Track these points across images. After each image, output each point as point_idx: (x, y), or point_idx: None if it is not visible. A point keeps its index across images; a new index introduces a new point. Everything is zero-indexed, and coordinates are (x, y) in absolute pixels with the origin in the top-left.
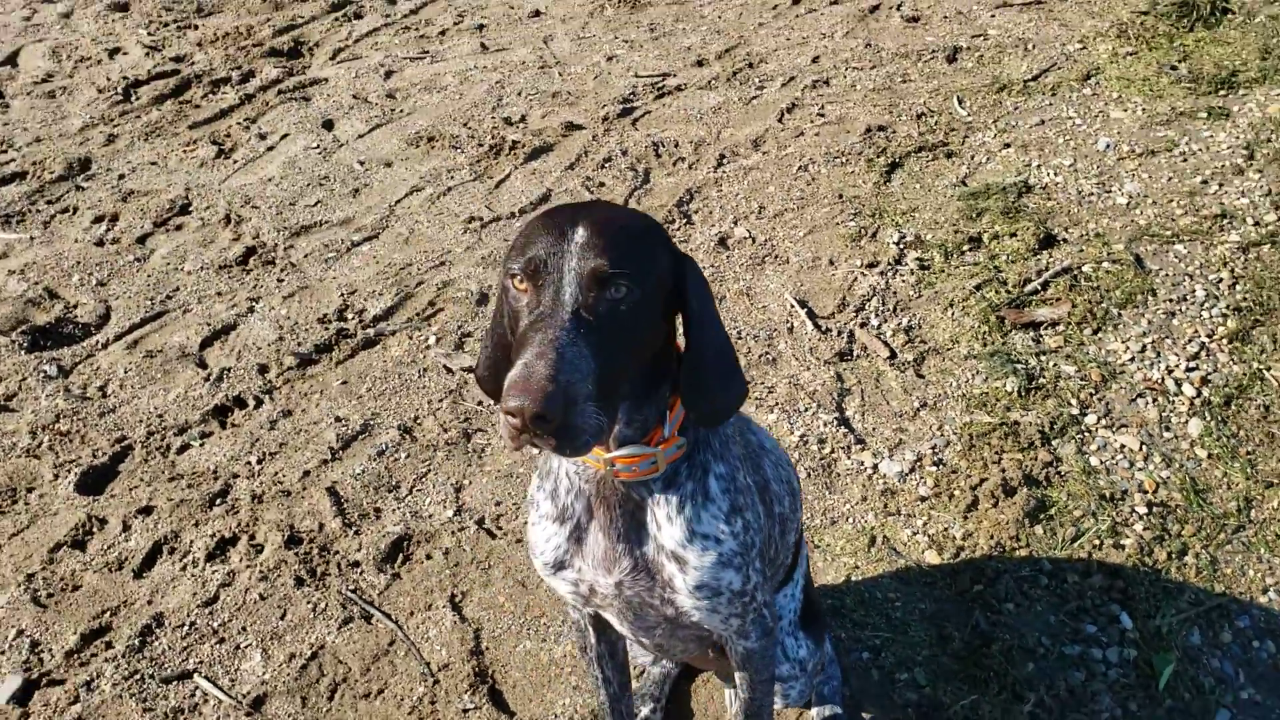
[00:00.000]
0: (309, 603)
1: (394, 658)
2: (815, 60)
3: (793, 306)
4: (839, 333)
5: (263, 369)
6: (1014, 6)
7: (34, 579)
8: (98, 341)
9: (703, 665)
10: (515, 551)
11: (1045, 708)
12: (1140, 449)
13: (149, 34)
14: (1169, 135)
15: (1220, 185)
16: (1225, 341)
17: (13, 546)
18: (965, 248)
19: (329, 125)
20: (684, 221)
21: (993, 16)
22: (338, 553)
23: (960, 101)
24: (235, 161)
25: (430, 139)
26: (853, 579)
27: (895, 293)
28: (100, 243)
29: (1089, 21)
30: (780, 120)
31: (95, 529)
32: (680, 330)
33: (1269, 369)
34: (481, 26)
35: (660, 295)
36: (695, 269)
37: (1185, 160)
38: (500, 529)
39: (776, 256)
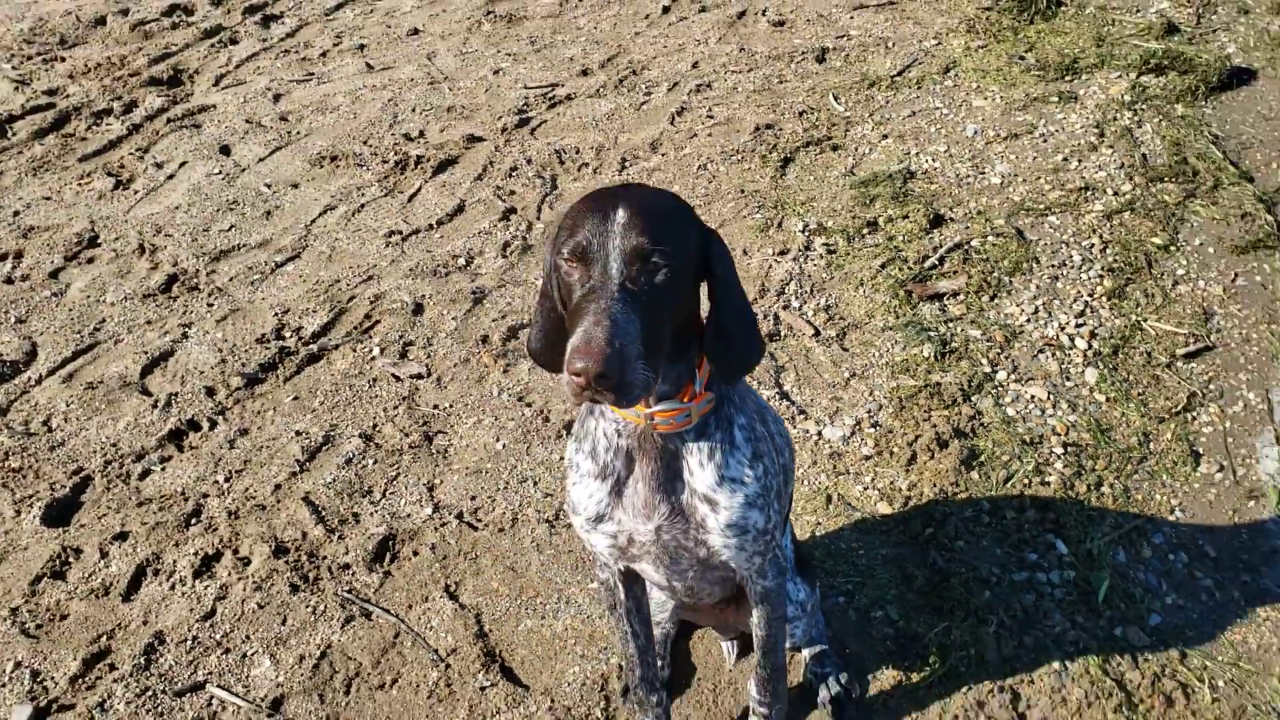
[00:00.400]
0: (307, 606)
1: (402, 649)
2: (695, 65)
3: None
4: (764, 315)
5: (210, 391)
6: (870, 8)
7: (18, 612)
8: (30, 378)
9: (704, 622)
10: (500, 540)
11: (1006, 627)
12: (1048, 398)
13: (13, 68)
14: (1027, 119)
15: (1079, 161)
16: (1105, 299)
17: None
18: (865, 231)
19: (226, 151)
20: None
21: (851, 18)
22: (326, 557)
23: (836, 98)
24: (136, 192)
25: (333, 158)
26: (817, 534)
27: (809, 276)
28: (9, 280)
29: (939, 19)
30: (672, 123)
31: (72, 558)
32: (705, 297)
33: (1145, 320)
34: (362, 46)
35: (691, 266)
36: (720, 242)
37: (1045, 141)
38: (480, 521)
39: None
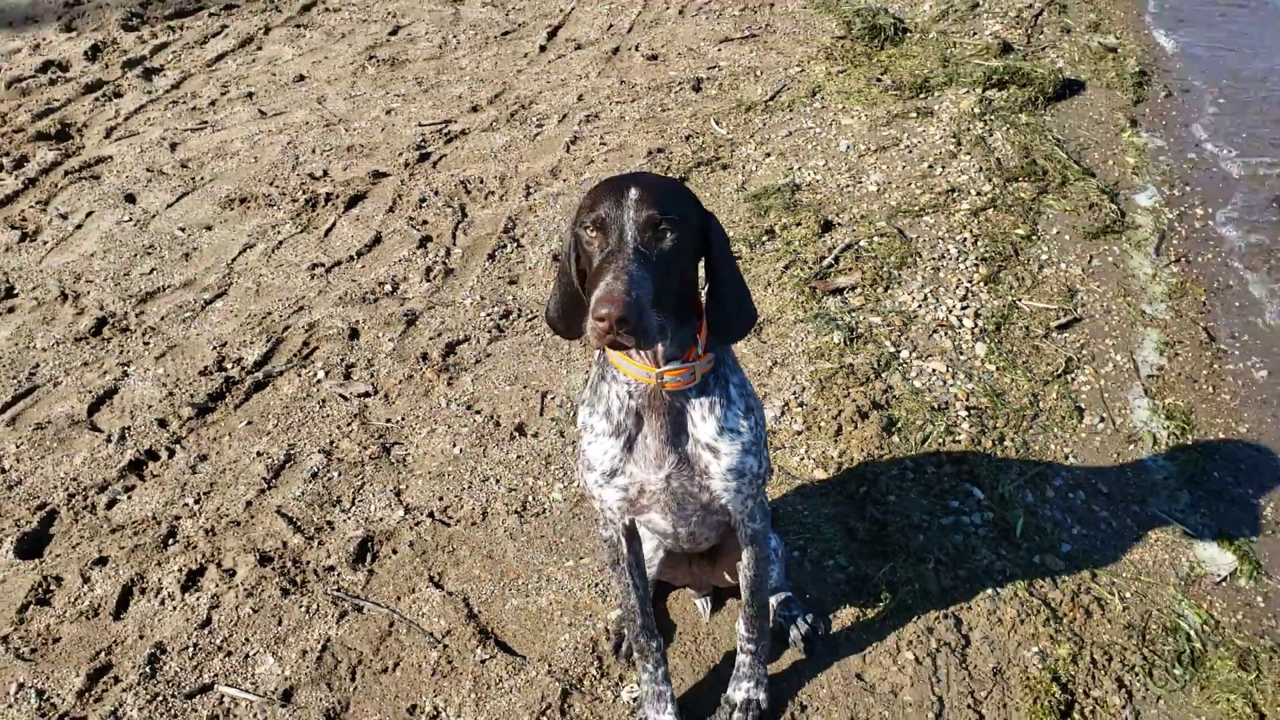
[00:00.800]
0: (300, 607)
1: (398, 635)
2: (580, 98)
3: None
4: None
5: (162, 423)
6: (735, 41)
7: (9, 639)
8: None
9: (681, 581)
10: (473, 533)
11: (942, 564)
12: (947, 370)
13: None
14: (892, 133)
15: (943, 168)
16: (982, 284)
17: None
18: (764, 239)
19: (131, 199)
20: (514, 245)
21: (719, 50)
22: (309, 562)
23: (718, 122)
24: (45, 242)
25: (242, 200)
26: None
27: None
28: None
29: (799, 49)
30: (568, 151)
31: (54, 586)
32: (702, 279)
33: (1019, 300)
34: (251, 94)
35: (692, 236)
36: (717, 222)
37: (911, 151)
38: (451, 518)
39: None
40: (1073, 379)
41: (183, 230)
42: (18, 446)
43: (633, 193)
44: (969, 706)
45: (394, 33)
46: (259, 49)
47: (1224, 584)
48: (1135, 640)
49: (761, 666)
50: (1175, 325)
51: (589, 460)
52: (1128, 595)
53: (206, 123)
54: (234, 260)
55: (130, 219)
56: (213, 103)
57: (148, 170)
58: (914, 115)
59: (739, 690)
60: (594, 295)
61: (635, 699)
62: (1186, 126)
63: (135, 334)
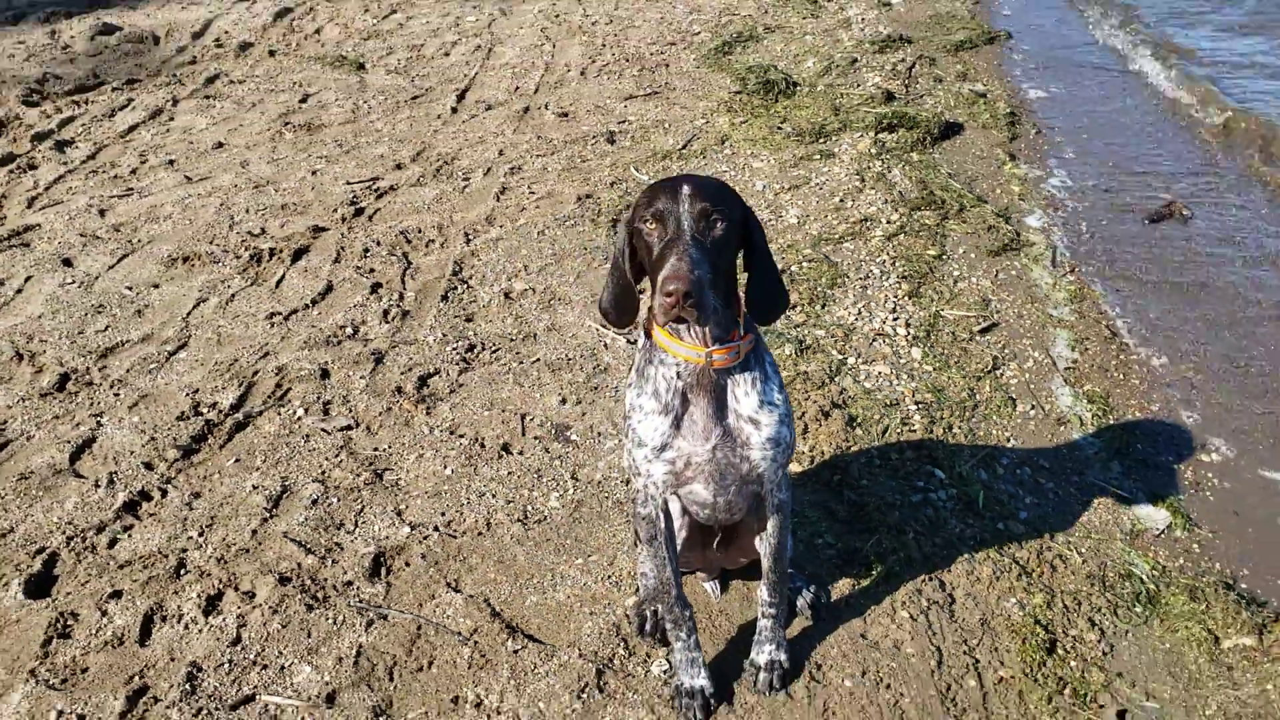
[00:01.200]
0: (326, 619)
1: (427, 638)
2: (501, 153)
3: (600, 331)
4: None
5: (148, 465)
6: (639, 98)
7: (37, 673)
8: None
9: (693, 565)
10: (481, 542)
11: (920, 534)
12: (891, 372)
13: None
14: (801, 173)
15: (853, 201)
16: (907, 298)
17: None
18: None
19: (69, 263)
20: (464, 287)
21: (625, 106)
22: (327, 579)
23: (638, 169)
24: None
25: (185, 259)
26: None
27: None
28: None
29: (700, 103)
30: (499, 200)
31: (71, 621)
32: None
33: (941, 310)
34: (172, 161)
35: (737, 226)
36: (754, 214)
37: (821, 188)
38: (457, 531)
39: (560, 299)
40: (1001, 374)
41: (130, 289)
42: (3, 497)
43: (685, 188)
44: (965, 653)
45: (304, 100)
46: (171, 119)
47: (1162, 536)
48: (1097, 587)
49: (781, 630)
50: (1080, 325)
51: (639, 437)
52: (1084, 551)
53: (132, 189)
54: (189, 314)
55: (73, 281)
56: (134, 171)
57: (80, 235)
58: (818, 157)
59: (762, 653)
60: (661, 275)
61: (667, 670)
62: (1057, 158)
63: (102, 387)
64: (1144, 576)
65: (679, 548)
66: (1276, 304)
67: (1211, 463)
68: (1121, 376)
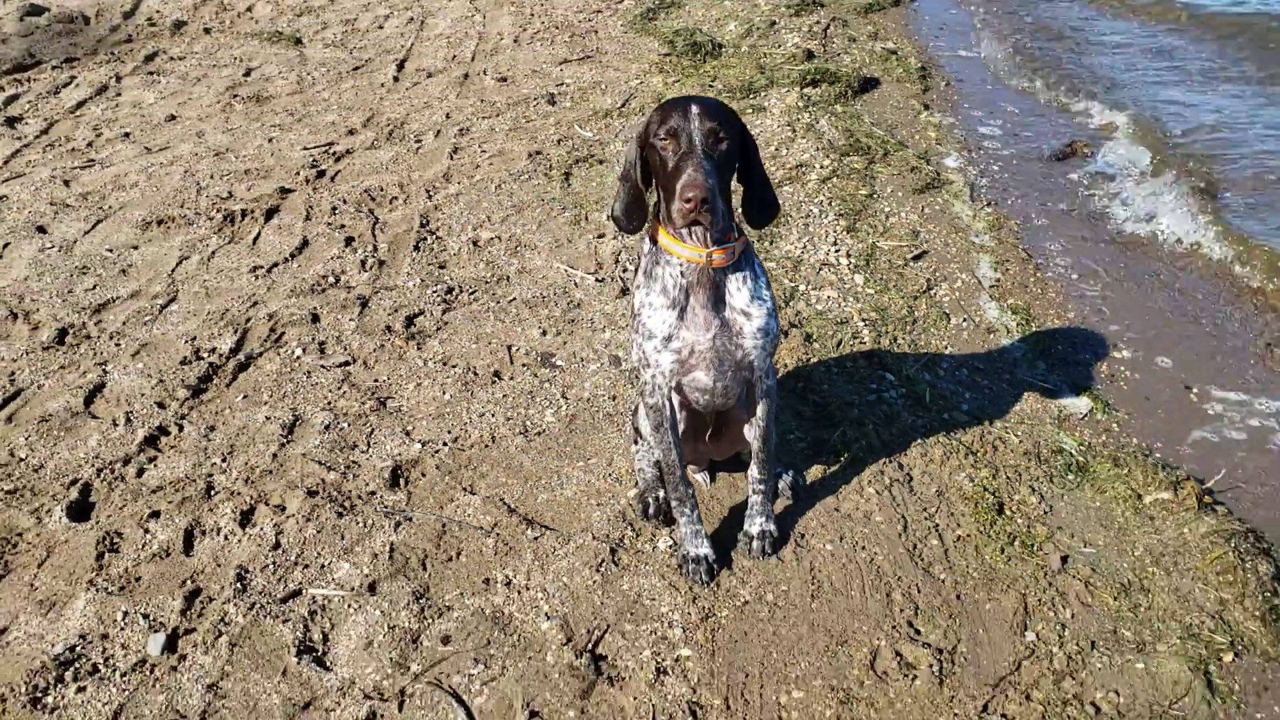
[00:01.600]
0: (357, 524)
1: (453, 533)
2: (448, 116)
3: (569, 271)
4: (611, 280)
5: (161, 405)
6: (573, 62)
7: (95, 582)
8: None
9: (688, 460)
10: (489, 453)
11: (878, 425)
12: (838, 296)
13: None
14: None
15: (787, 149)
16: (845, 232)
17: (47, 573)
18: None
19: (43, 230)
20: (434, 238)
21: (561, 70)
22: (351, 490)
23: (581, 127)
24: None
25: (160, 221)
26: None
27: (629, 248)
28: None
29: (633, 65)
30: (452, 159)
31: (117, 539)
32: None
33: (877, 242)
34: (128, 134)
35: (738, 143)
36: (750, 133)
37: (756, 139)
38: (465, 445)
39: (527, 246)
40: (934, 293)
41: (110, 251)
42: (27, 439)
43: (695, 109)
44: (926, 519)
45: (247, 74)
46: (119, 95)
47: (1085, 419)
48: (1034, 461)
49: (769, 505)
50: (1000, 249)
51: (649, 330)
52: (1019, 433)
53: (93, 161)
54: (173, 271)
55: (52, 246)
56: (90, 144)
57: (50, 204)
58: (750, 111)
59: (754, 524)
60: (679, 184)
61: (672, 545)
62: (968, 106)
63: (101, 339)
64: (1073, 451)
65: None
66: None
67: (1122, 359)
68: (1040, 291)
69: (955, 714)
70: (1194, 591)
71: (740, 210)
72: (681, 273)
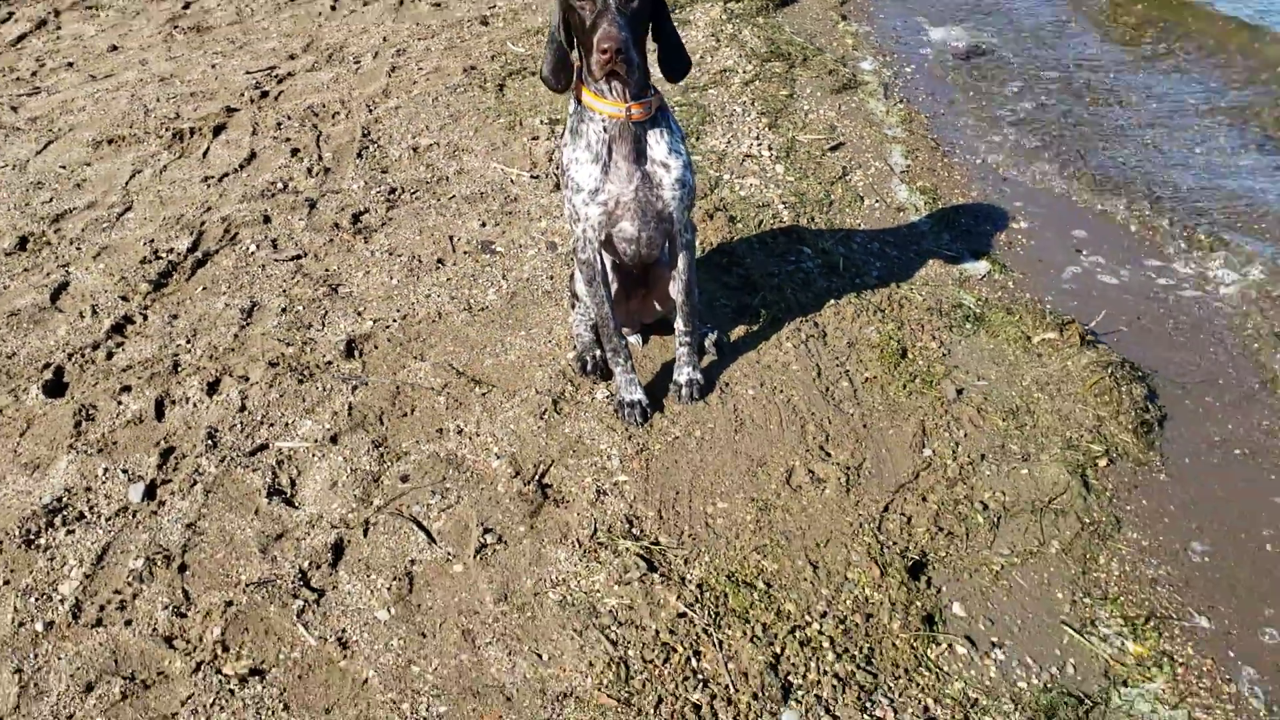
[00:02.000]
0: (317, 388)
1: (406, 394)
2: (385, 39)
3: (505, 170)
4: (546, 176)
5: (124, 298)
6: None
7: (75, 446)
8: None
9: (621, 322)
10: (437, 326)
11: (795, 289)
12: (760, 184)
13: None
14: None
15: (712, 56)
16: (767, 128)
17: (29, 440)
18: None
19: None
20: (375, 146)
21: None
22: (310, 361)
23: (514, 44)
24: None
25: (110, 141)
26: None
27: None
28: None
29: None
30: (390, 77)
31: (93, 411)
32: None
33: (797, 136)
34: (71, 64)
35: (649, 2)
36: None
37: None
38: (414, 320)
39: (465, 150)
40: (850, 179)
41: (64, 168)
42: None
43: None
44: (837, 366)
45: (186, 7)
46: (59, 28)
47: (984, 279)
48: (936, 315)
49: (695, 356)
50: (910, 139)
51: (577, 184)
52: (924, 293)
53: (39, 89)
54: (127, 183)
55: (4, 165)
56: (34, 73)
57: None
58: (677, 25)
59: (682, 374)
60: (596, 37)
61: (608, 395)
62: (882, 16)
63: (61, 244)
64: (971, 305)
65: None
66: (1064, 112)
67: (1020, 229)
68: (946, 174)
69: (861, 515)
70: (1074, 411)
71: (658, 66)
72: (604, 128)
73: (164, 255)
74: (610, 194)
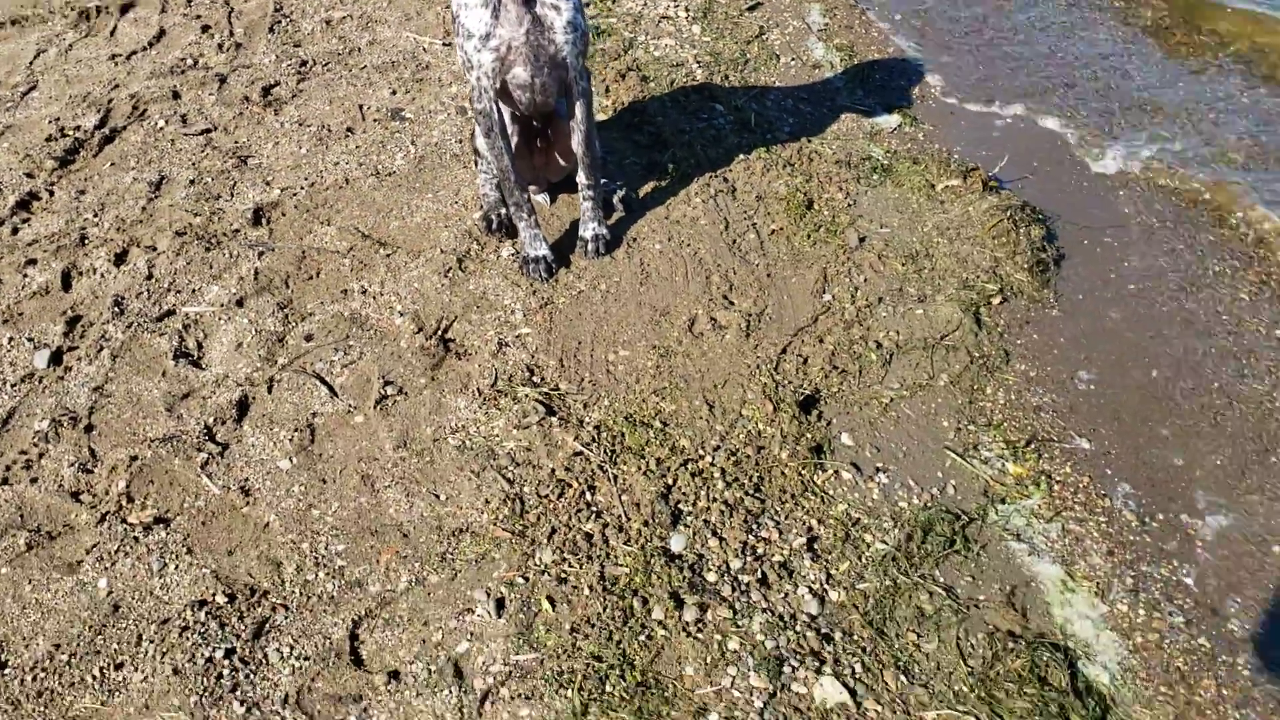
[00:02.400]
0: (224, 255)
1: (312, 257)
2: None
3: (417, 39)
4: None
5: (30, 175)
6: None
7: None
8: None
9: (528, 179)
10: (343, 193)
11: (706, 146)
12: (676, 44)
13: None
14: None
15: None
16: None
17: None
18: None
19: None
20: (288, 21)
21: None
22: (217, 230)
23: None
24: None
25: (14, 21)
26: None
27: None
28: None
29: None
30: None
31: None
32: None
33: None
34: None
35: None
36: None
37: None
38: (321, 187)
39: (378, 21)
40: (766, 38)
41: None
42: None
43: None
44: (745, 218)
45: None
46: None
47: (894, 132)
48: (844, 168)
49: (600, 212)
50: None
51: (468, 29)
52: (834, 147)
53: None
54: (32, 62)
55: None
56: None
57: None
58: None
59: (588, 229)
60: None
61: (513, 253)
62: None
63: None
64: (879, 157)
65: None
66: None
67: (932, 85)
68: (863, 33)
69: (759, 357)
70: (972, 254)
71: None
72: None
73: (70, 133)
74: (501, 38)
